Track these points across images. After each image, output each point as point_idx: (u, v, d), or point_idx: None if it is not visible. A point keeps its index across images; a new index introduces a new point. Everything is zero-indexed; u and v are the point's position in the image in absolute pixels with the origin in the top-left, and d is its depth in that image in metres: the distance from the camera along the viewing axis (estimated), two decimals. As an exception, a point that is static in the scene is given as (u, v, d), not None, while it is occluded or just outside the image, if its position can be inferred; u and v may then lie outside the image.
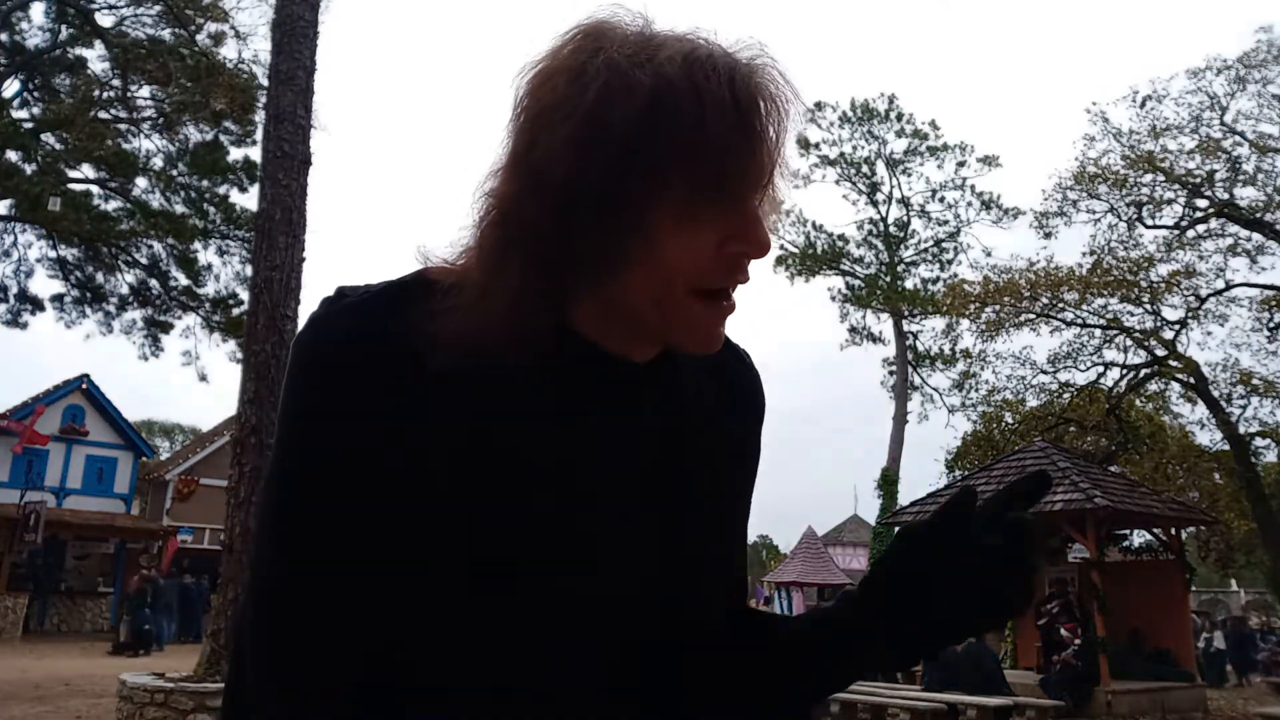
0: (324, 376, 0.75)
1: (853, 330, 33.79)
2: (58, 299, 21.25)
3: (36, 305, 21.19)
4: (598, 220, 0.72)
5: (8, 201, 19.38)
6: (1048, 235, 22.39)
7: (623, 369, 0.81)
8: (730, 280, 0.76)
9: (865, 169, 33.65)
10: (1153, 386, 22.74)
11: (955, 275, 30.50)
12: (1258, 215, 19.97)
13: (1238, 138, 20.28)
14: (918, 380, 32.52)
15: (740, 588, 0.94)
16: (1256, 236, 20.12)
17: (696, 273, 0.74)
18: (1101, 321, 21.28)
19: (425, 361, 0.74)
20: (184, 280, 21.18)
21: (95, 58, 20.31)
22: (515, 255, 0.74)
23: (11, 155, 19.05)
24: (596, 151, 0.71)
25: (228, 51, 19.50)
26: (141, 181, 20.99)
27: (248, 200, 20.15)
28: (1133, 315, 21.02)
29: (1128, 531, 16.71)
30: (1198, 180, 20.49)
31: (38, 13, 25.33)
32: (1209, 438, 21.59)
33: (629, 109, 0.70)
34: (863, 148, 33.68)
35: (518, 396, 0.76)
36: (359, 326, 0.75)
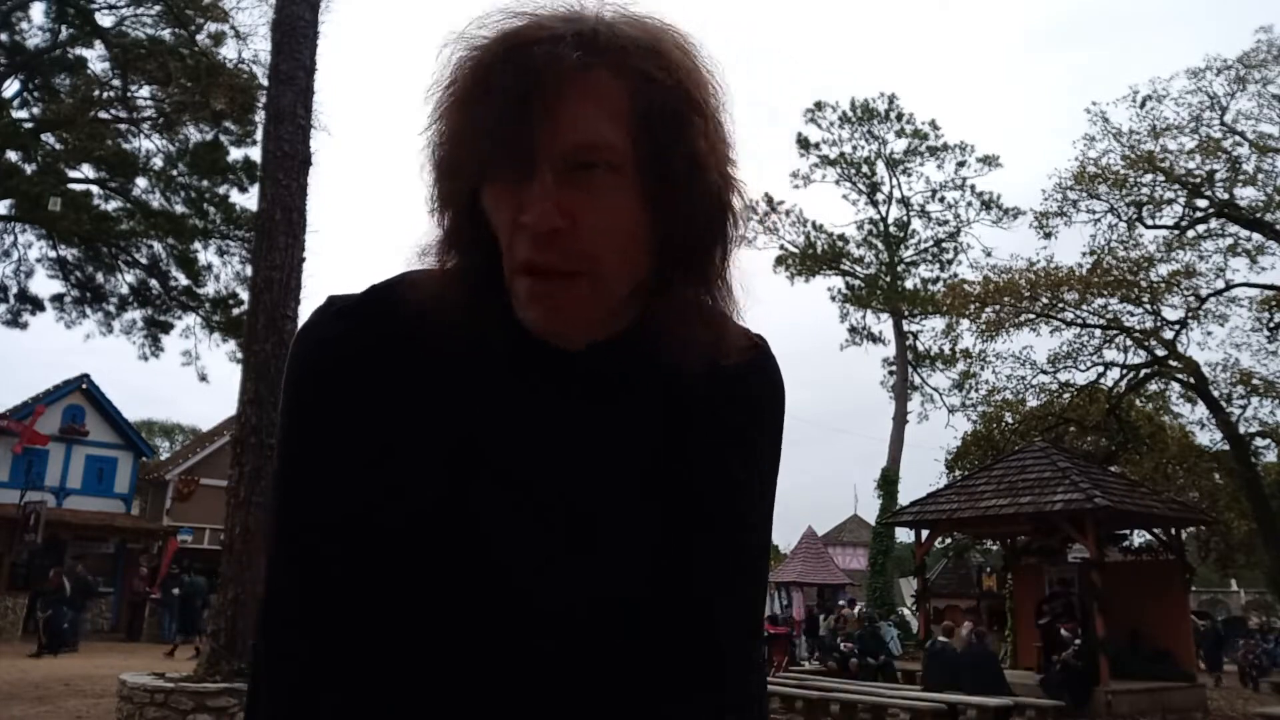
0: (310, 382, 0.79)
1: (853, 330, 33.83)
2: (58, 299, 21.24)
3: (36, 305, 21.18)
4: (450, 201, 0.76)
5: (8, 201, 19.37)
6: (1048, 235, 22.40)
7: (552, 356, 0.80)
8: (532, 256, 0.73)
9: (865, 169, 33.65)
10: (1153, 386, 22.75)
11: (955, 275, 30.52)
12: (1258, 215, 19.97)
13: (1238, 138, 20.28)
14: (918, 380, 32.52)
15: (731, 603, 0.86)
16: (1256, 236, 20.12)
17: (506, 248, 0.75)
18: (1101, 321, 21.28)
19: (403, 359, 0.78)
20: (184, 280, 21.16)
21: (95, 58, 20.30)
22: (443, 243, 0.79)
23: (11, 155, 19.05)
24: (432, 135, 0.76)
25: (228, 51, 19.49)
26: (141, 181, 20.98)
27: (248, 200, 20.15)
28: (1133, 315, 21.04)
29: (1128, 531, 16.73)
30: (1198, 180, 20.48)
31: (38, 13, 25.33)
32: (1209, 438, 21.62)
33: (441, 93, 0.75)
34: (863, 148, 33.71)
35: (469, 386, 0.79)
36: (342, 332, 0.79)
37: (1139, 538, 17.48)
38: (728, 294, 0.81)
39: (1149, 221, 21.30)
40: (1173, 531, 15.05)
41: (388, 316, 0.79)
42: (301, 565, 0.77)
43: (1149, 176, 20.80)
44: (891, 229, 33.54)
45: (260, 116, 15.77)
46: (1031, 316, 21.44)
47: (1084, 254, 21.65)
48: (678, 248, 0.77)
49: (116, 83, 20.10)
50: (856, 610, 19.84)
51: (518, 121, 0.71)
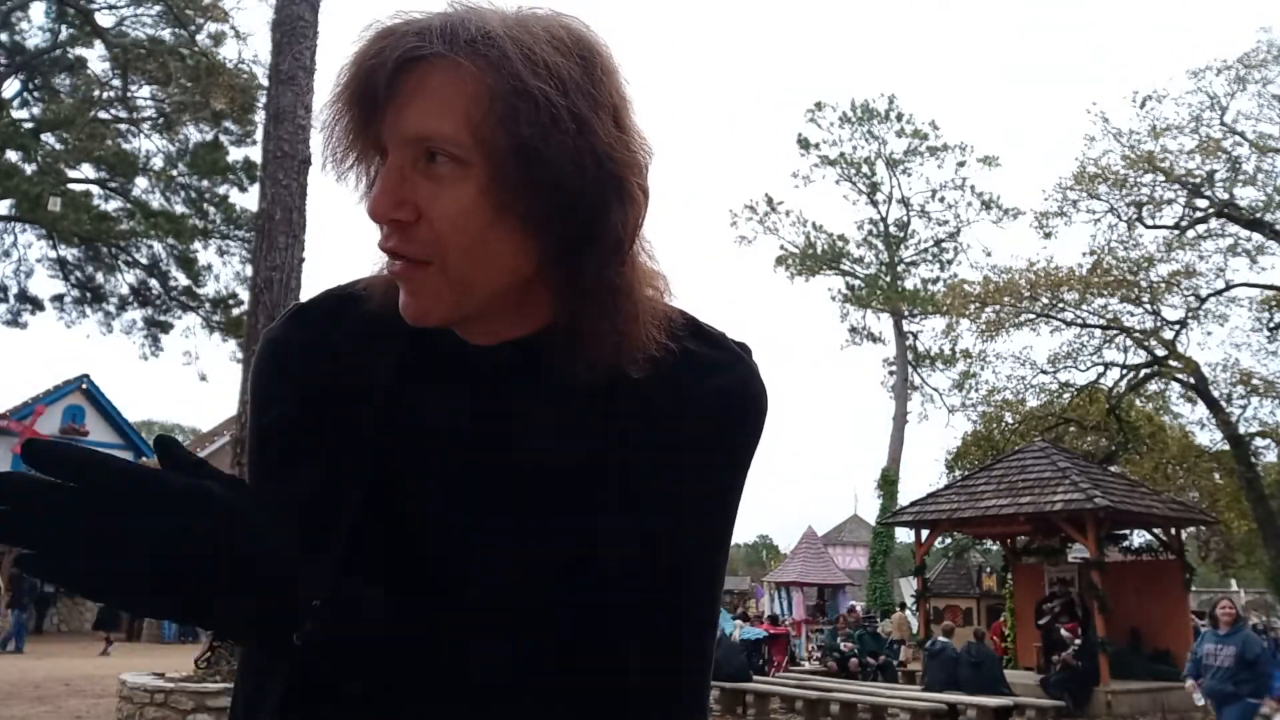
0: (260, 380, 0.85)
1: (853, 330, 33.82)
2: (58, 299, 21.29)
3: (36, 305, 21.21)
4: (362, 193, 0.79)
5: (8, 201, 19.38)
6: (1048, 235, 22.40)
7: (470, 353, 0.81)
8: (381, 242, 0.76)
9: (865, 169, 33.65)
10: (1153, 386, 22.74)
11: (955, 275, 30.52)
12: (1258, 215, 19.97)
13: (1238, 138, 20.28)
14: (918, 380, 32.51)
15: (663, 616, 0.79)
16: (1256, 236, 20.12)
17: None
18: (1101, 321, 21.27)
19: (347, 357, 0.82)
20: (184, 280, 21.20)
21: (95, 58, 20.35)
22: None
23: (11, 155, 19.06)
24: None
25: (228, 51, 19.53)
26: (141, 181, 21.02)
27: (248, 200, 20.18)
28: (1133, 315, 21.03)
29: (1128, 531, 16.71)
30: (1198, 180, 20.48)
31: (38, 13, 25.39)
32: (1209, 438, 21.61)
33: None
34: (863, 148, 33.70)
35: (400, 383, 0.82)
36: (293, 333, 0.85)
37: (1139, 538, 17.46)
38: (624, 294, 0.77)
39: (1149, 221, 21.30)
40: (1173, 531, 15.04)
41: (338, 317, 0.84)
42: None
43: (1149, 176, 20.80)
44: (891, 229, 33.54)
45: (260, 116, 15.78)
46: (1031, 317, 21.44)
47: (1084, 254, 21.68)
48: (557, 246, 0.75)
49: (116, 83, 20.13)
50: (873, 613, 19.77)
51: (358, 114, 0.74)
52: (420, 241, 0.74)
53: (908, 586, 27.48)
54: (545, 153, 0.71)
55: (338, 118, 0.75)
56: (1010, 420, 22.64)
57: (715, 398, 0.83)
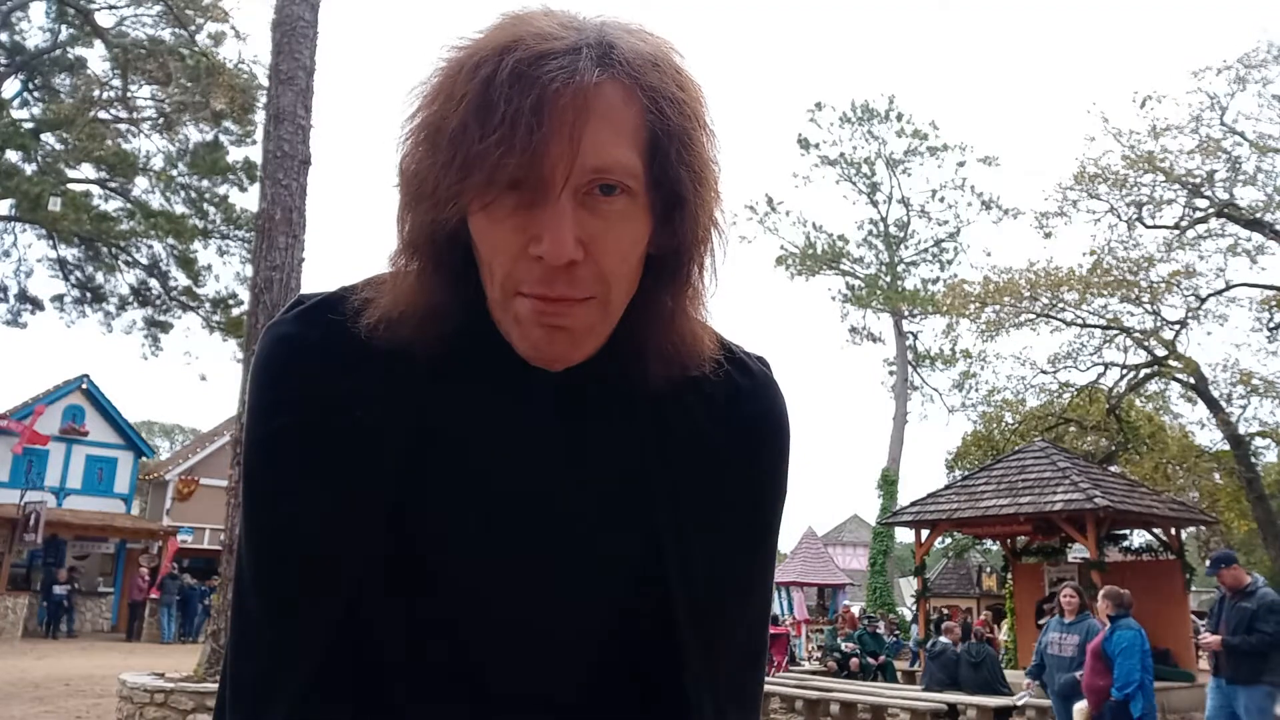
0: (268, 378, 0.78)
1: (853, 330, 33.84)
2: (58, 299, 21.33)
3: (36, 305, 21.25)
4: (428, 214, 0.71)
5: (8, 201, 19.41)
6: (1048, 235, 22.40)
7: (519, 368, 0.76)
8: (544, 289, 0.69)
9: (865, 169, 33.67)
10: (1153, 386, 22.75)
11: (955, 275, 30.52)
12: (1258, 215, 19.96)
13: (1238, 138, 20.28)
14: (918, 380, 32.53)
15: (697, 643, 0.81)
16: (1256, 236, 20.12)
17: (505, 274, 0.70)
18: (1101, 321, 21.27)
19: (362, 361, 0.76)
20: (184, 280, 21.23)
21: (95, 58, 20.41)
22: (399, 249, 0.77)
23: (11, 155, 19.08)
24: (421, 147, 0.71)
25: (228, 51, 19.56)
26: (141, 181, 21.06)
27: (248, 200, 20.23)
28: (1133, 315, 21.03)
29: (1128, 531, 16.71)
30: (1198, 180, 20.48)
31: (38, 13, 25.40)
32: (1209, 438, 21.62)
33: (432, 104, 0.70)
34: (863, 148, 33.73)
35: (429, 393, 0.77)
36: (303, 331, 0.79)
37: (1139, 538, 17.46)
38: (700, 304, 0.79)
39: (1149, 221, 21.29)
40: (1173, 531, 15.04)
41: (352, 317, 0.77)
42: (255, 566, 0.77)
43: (1149, 176, 20.79)
44: (891, 229, 33.56)
45: (260, 116, 15.79)
46: (1031, 316, 21.44)
47: (1084, 254, 21.68)
48: (666, 262, 0.75)
49: (116, 83, 20.15)
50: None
51: (531, 144, 0.65)
52: (583, 280, 0.70)
53: (908, 586, 27.51)
54: (701, 195, 0.72)
55: (486, 142, 0.66)
56: (1010, 420, 22.65)
57: (758, 421, 0.86)
